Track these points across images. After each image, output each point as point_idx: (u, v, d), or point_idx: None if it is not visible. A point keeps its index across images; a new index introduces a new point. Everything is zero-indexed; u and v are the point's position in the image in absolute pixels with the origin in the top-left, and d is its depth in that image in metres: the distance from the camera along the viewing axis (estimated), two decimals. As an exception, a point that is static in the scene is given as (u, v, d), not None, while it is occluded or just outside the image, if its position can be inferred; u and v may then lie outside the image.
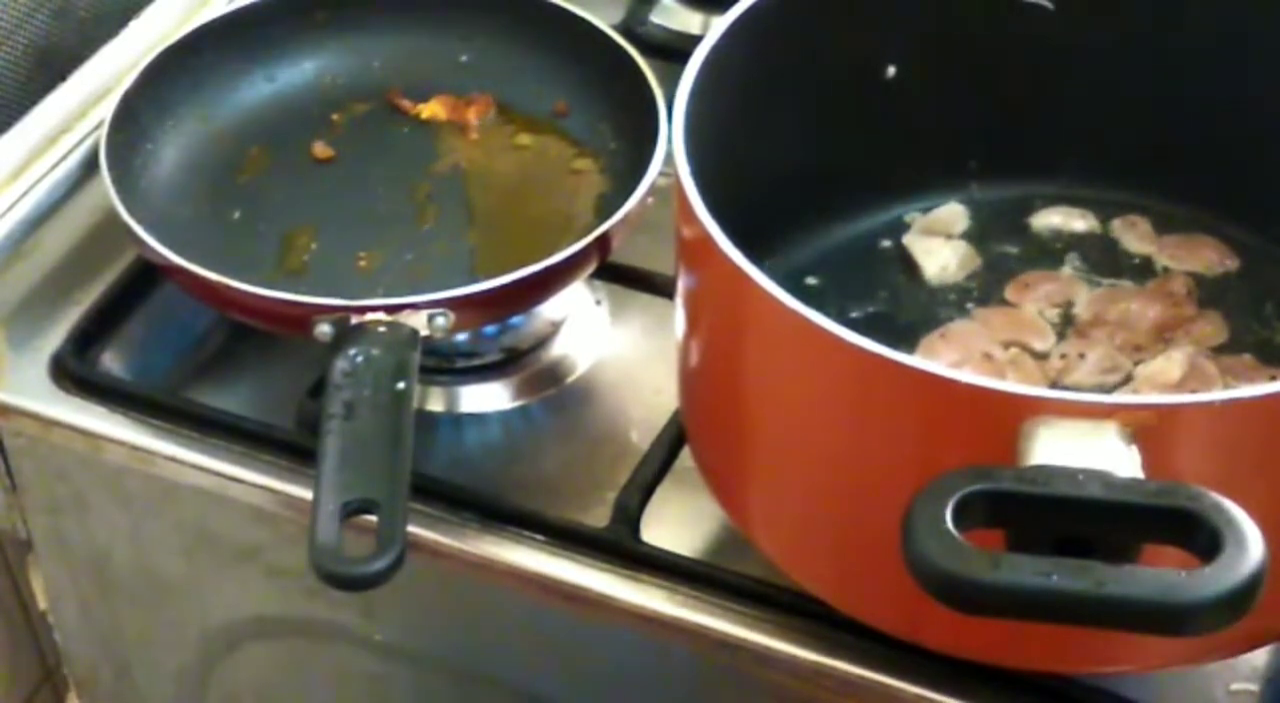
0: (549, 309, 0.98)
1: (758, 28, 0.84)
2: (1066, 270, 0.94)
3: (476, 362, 0.97)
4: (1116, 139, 0.94)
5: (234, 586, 0.98)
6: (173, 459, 0.92)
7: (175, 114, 1.01)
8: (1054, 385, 0.87)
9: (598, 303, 1.01)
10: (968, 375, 0.68)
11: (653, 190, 0.92)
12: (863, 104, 0.92)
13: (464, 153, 1.02)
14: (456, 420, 0.97)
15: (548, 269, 0.88)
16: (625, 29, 1.07)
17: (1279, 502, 0.67)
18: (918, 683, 0.80)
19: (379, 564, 0.76)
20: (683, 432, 0.88)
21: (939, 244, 0.95)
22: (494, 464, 0.95)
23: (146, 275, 0.98)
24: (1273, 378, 0.87)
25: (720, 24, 0.83)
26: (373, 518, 0.78)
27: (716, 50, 0.81)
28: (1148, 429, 0.65)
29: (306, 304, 0.87)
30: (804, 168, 0.90)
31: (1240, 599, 0.60)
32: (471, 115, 1.04)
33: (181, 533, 0.97)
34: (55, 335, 0.96)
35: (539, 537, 0.87)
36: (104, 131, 0.96)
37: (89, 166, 0.98)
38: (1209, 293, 0.92)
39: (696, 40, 0.83)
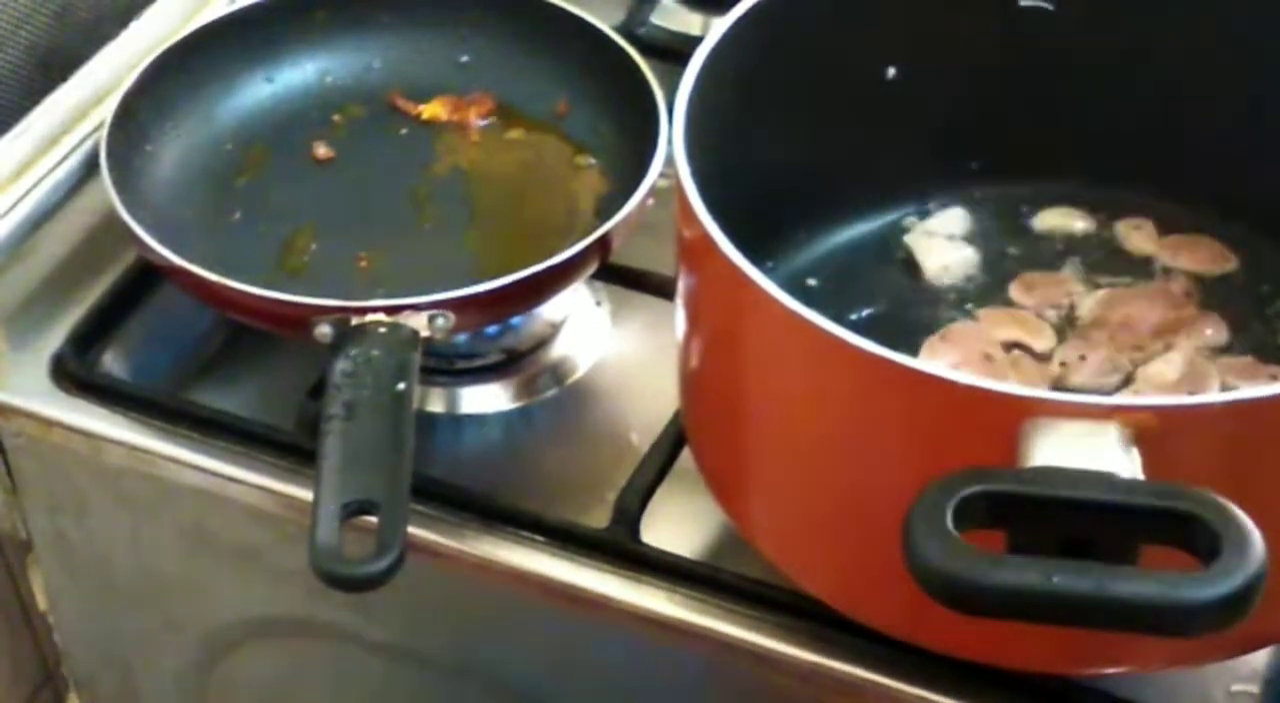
0: (549, 310, 0.98)
1: (758, 28, 0.84)
2: (1067, 271, 0.94)
3: (477, 363, 0.97)
4: (1117, 139, 0.94)
5: (234, 586, 0.98)
6: (173, 460, 0.92)
7: (175, 114, 1.01)
8: (1055, 386, 0.87)
9: (598, 304, 1.01)
10: (968, 377, 0.68)
11: (653, 191, 0.92)
12: (863, 104, 0.92)
13: (464, 153, 1.02)
14: (457, 421, 0.97)
15: (548, 270, 0.89)
16: (625, 29, 1.07)
17: (1279, 503, 0.67)
18: (918, 683, 0.80)
19: (379, 565, 0.76)
20: (683, 432, 0.88)
21: (940, 245, 0.95)
22: (494, 465, 0.95)
23: (146, 275, 0.98)
24: (1273, 379, 0.87)
25: (720, 24, 0.83)
26: (373, 519, 0.78)
27: (716, 51, 0.81)
28: (1148, 430, 0.65)
29: (306, 305, 0.87)
30: (804, 168, 0.90)
31: (1241, 601, 0.60)
32: (471, 115, 1.04)
33: (181, 533, 0.97)
34: (55, 335, 0.96)
35: (539, 538, 0.87)
36: (104, 132, 0.96)
37: (89, 167, 0.98)
38: (1210, 294, 0.92)
39: (696, 41, 0.83)
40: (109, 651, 1.07)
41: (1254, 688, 0.82)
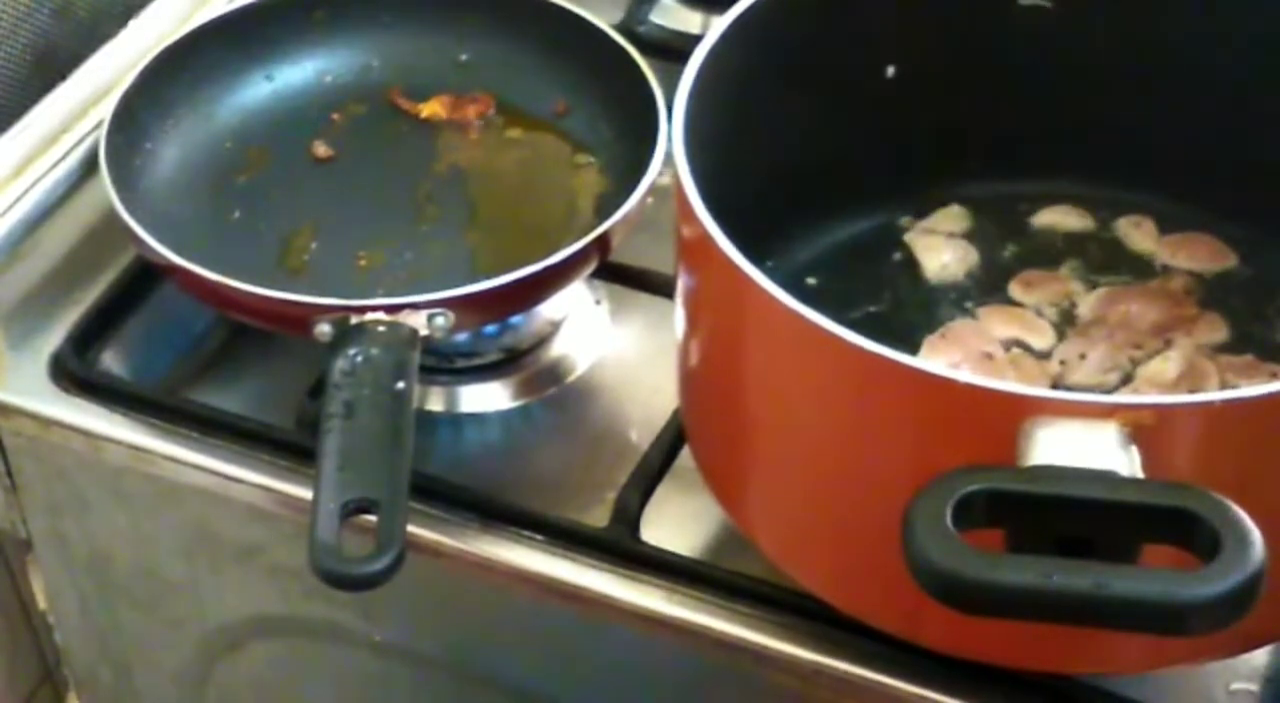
0: (549, 309, 0.98)
1: (758, 28, 0.84)
2: (1067, 269, 0.94)
3: (476, 361, 0.97)
4: (1116, 137, 0.94)
5: (234, 586, 0.98)
6: (173, 459, 0.92)
7: (175, 114, 1.01)
8: (1055, 385, 0.87)
9: (597, 302, 1.01)
10: (967, 375, 0.68)
11: (653, 190, 0.92)
12: (862, 104, 0.92)
13: (464, 152, 1.02)
14: (456, 420, 0.97)
15: (548, 269, 0.88)
16: (625, 29, 1.07)
17: (1279, 502, 0.67)
18: (918, 683, 0.80)
19: (379, 564, 0.76)
20: (683, 432, 0.88)
21: (939, 243, 0.95)
22: (494, 464, 0.94)
23: (146, 275, 0.98)
24: (1273, 377, 0.87)
25: (720, 24, 0.83)
26: (373, 518, 0.78)
27: (716, 50, 0.81)
28: (1147, 429, 0.65)
29: (306, 304, 0.87)
30: (804, 168, 0.90)
31: (1240, 599, 0.60)
32: (471, 115, 1.03)
33: (181, 533, 0.97)
34: (55, 335, 0.96)
35: (539, 537, 0.87)
36: (104, 131, 0.96)
37: (89, 166, 0.98)
38: (1210, 292, 0.92)
39: (696, 40, 0.83)
40: (108, 650, 1.07)
41: (1254, 687, 0.82)
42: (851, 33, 0.89)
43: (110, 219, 0.94)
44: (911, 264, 0.94)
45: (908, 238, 0.95)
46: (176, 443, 0.92)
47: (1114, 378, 0.88)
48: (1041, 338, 0.90)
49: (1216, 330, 0.90)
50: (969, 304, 0.92)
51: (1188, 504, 0.62)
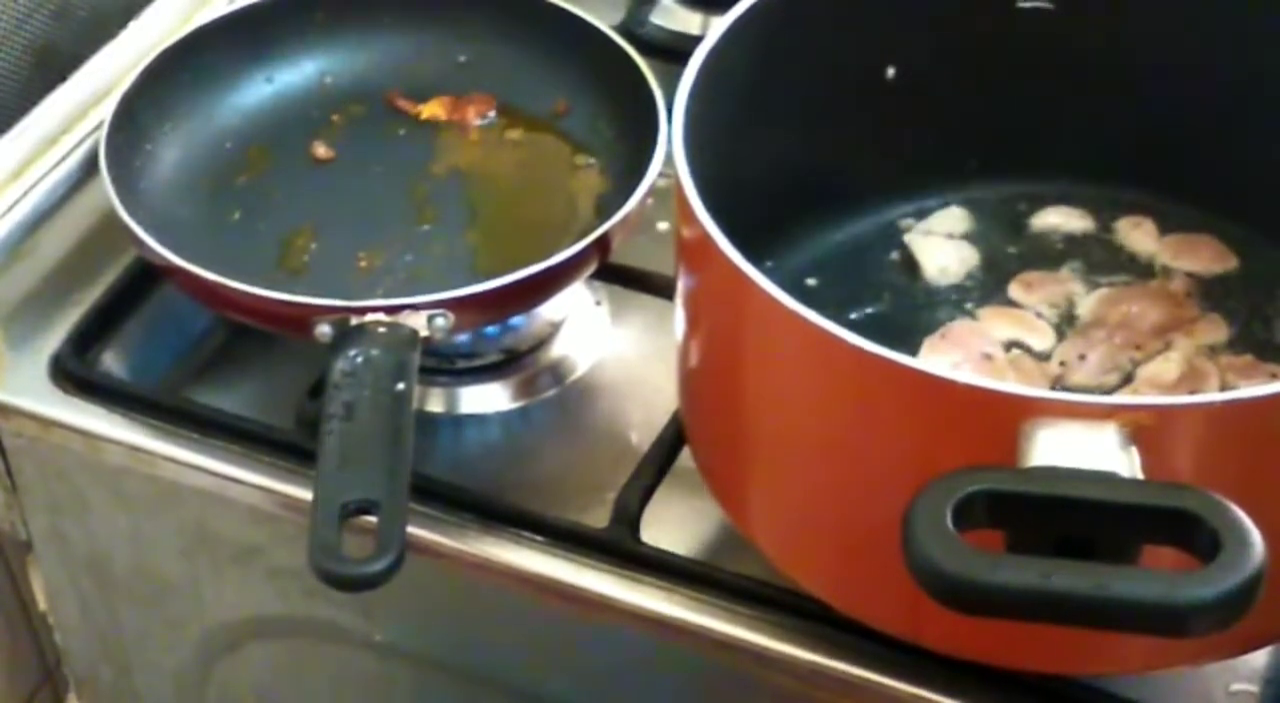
0: (549, 310, 0.98)
1: (758, 28, 0.84)
2: (1067, 270, 0.94)
3: (476, 362, 0.97)
4: (1116, 139, 0.94)
5: (234, 586, 0.98)
6: (172, 460, 0.92)
7: (175, 115, 1.01)
8: (1055, 386, 0.87)
9: (597, 303, 1.01)
10: (967, 376, 0.68)
11: (652, 191, 0.92)
12: (862, 104, 0.92)
13: (463, 153, 1.02)
14: (456, 421, 0.97)
15: (548, 270, 0.88)
16: (625, 29, 1.07)
17: (1279, 502, 0.67)
18: (918, 683, 0.80)
19: (379, 565, 0.76)
20: (682, 432, 0.88)
21: (939, 244, 0.95)
22: (494, 465, 0.95)
23: (146, 275, 0.98)
24: (1273, 377, 0.87)
25: (720, 24, 0.83)
26: (373, 518, 0.78)
27: (716, 51, 0.81)
28: (1147, 430, 0.65)
29: (306, 305, 0.87)
30: (804, 168, 0.90)
31: (1240, 600, 0.60)
32: (471, 115, 1.04)
33: (181, 533, 0.97)
34: (55, 335, 0.96)
35: (539, 537, 0.87)
36: (103, 132, 0.96)
37: (89, 167, 0.98)
38: (1210, 293, 0.92)
39: (696, 40, 0.83)
40: (108, 650, 1.07)
41: (1254, 688, 0.82)
42: (851, 33, 0.89)
43: (110, 220, 0.94)
44: (911, 265, 0.94)
45: (908, 239, 0.95)
46: (176, 444, 0.92)
47: (1114, 379, 0.88)
48: (1041, 339, 0.90)
49: (1217, 331, 0.90)
50: (969, 305, 0.92)
51: (1187, 505, 0.62)
